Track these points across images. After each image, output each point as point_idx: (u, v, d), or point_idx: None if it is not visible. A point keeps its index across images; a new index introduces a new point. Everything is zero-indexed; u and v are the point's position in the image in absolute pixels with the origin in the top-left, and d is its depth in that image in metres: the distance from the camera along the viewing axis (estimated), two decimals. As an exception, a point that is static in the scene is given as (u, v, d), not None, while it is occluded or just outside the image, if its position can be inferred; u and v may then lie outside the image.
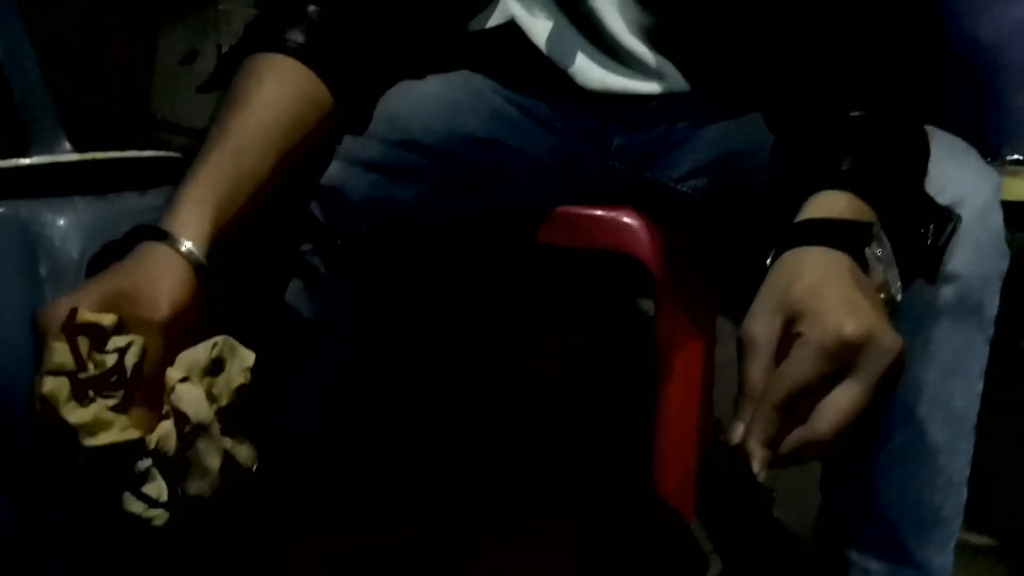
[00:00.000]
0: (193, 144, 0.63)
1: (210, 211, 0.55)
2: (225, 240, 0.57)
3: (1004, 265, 0.61)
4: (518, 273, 1.02)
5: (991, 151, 1.86)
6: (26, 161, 0.69)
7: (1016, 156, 1.84)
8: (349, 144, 0.68)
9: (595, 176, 0.85)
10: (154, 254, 0.52)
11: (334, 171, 0.68)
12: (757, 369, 0.45)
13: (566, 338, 1.28)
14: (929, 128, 0.61)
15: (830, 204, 0.51)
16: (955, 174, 0.59)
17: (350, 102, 0.68)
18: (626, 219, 0.85)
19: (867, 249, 0.47)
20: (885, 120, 0.57)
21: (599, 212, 0.86)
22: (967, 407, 0.63)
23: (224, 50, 1.53)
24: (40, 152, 0.90)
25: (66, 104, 0.97)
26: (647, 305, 1.18)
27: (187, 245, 0.53)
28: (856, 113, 0.56)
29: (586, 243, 0.87)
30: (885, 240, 0.49)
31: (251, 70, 0.63)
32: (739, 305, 0.51)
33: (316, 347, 0.72)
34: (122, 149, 0.79)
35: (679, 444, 0.96)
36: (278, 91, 0.62)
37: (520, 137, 0.81)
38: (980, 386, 0.64)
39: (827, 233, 0.48)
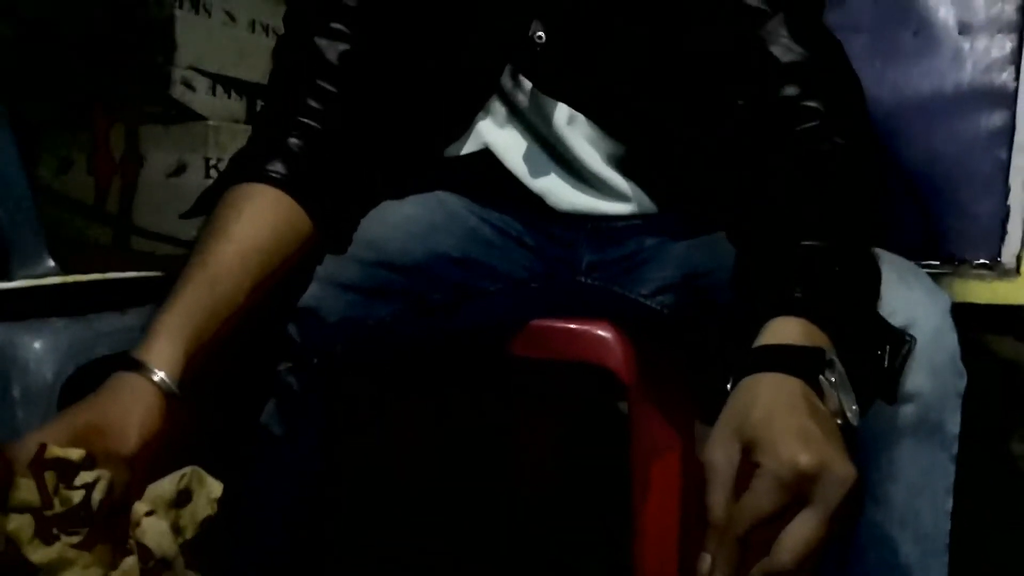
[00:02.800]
0: (176, 255, 0.65)
1: (184, 340, 0.56)
2: (199, 367, 0.58)
3: (962, 384, 0.63)
4: (493, 383, 1.03)
5: (954, 256, 1.93)
6: (6, 285, 0.70)
7: (982, 260, 1.91)
8: (328, 266, 0.70)
9: (567, 291, 0.87)
10: (127, 385, 0.53)
11: (312, 292, 0.69)
12: (719, 498, 0.45)
13: (546, 443, 1.28)
14: (879, 251, 0.64)
15: (785, 330, 0.53)
16: (906, 297, 0.62)
17: (330, 226, 0.70)
18: (599, 332, 0.87)
19: (821, 376, 0.49)
20: (836, 247, 0.59)
21: (572, 325, 0.88)
22: (937, 525, 0.64)
23: (212, 164, 1.58)
24: (22, 269, 0.91)
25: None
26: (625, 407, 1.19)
27: (160, 375, 0.54)
28: (808, 242, 0.59)
29: (560, 356, 0.88)
30: (838, 366, 0.50)
31: (232, 200, 0.65)
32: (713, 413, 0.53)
33: (286, 467, 0.72)
34: (104, 262, 0.80)
35: (657, 555, 0.95)
36: (258, 220, 0.64)
37: (494, 255, 0.83)
38: (949, 504, 0.64)
39: (781, 360, 0.50)
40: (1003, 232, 1.91)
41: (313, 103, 0.69)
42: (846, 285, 0.58)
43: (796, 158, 0.66)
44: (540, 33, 0.74)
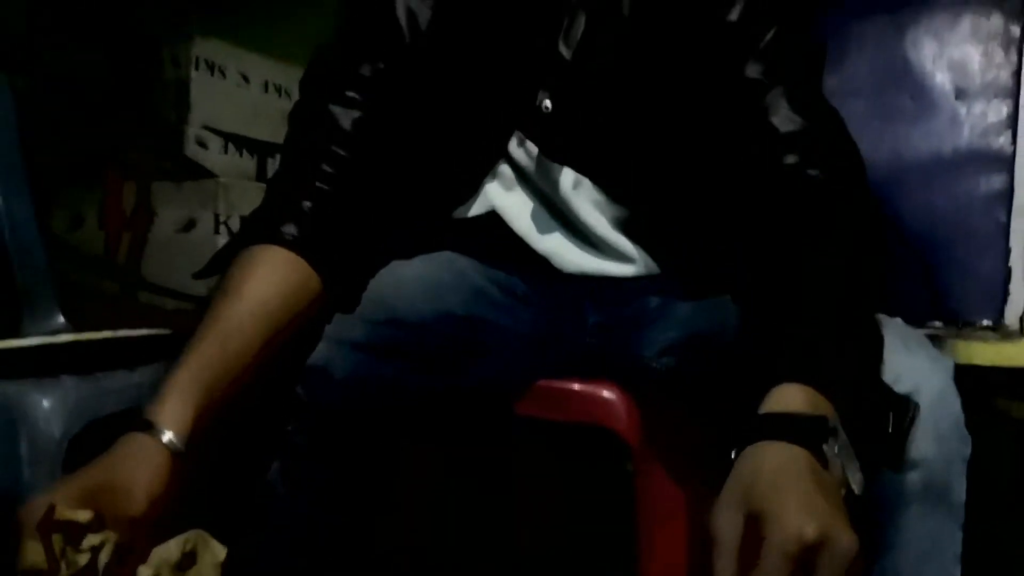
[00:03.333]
0: (184, 310, 0.66)
1: (195, 399, 0.57)
2: (208, 425, 0.58)
3: (967, 450, 0.63)
4: (498, 442, 1.03)
5: (959, 318, 1.93)
6: (18, 343, 0.71)
7: (986, 322, 1.91)
8: (336, 326, 0.71)
9: (572, 351, 0.88)
10: (136, 444, 0.54)
11: (321, 351, 0.70)
12: (725, 569, 0.45)
13: (550, 504, 1.27)
14: (882, 317, 0.65)
15: (789, 398, 0.53)
16: (909, 363, 0.62)
17: (340, 286, 0.72)
18: (604, 393, 0.87)
19: (824, 445, 0.49)
20: (840, 315, 0.60)
21: (577, 386, 0.88)
22: None
23: (222, 220, 1.61)
24: (34, 324, 0.93)
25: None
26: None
27: (168, 435, 0.54)
28: (812, 309, 0.60)
29: (565, 416, 0.88)
30: (842, 434, 0.51)
31: (245, 261, 0.67)
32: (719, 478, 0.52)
33: (289, 526, 0.71)
34: (113, 316, 0.81)
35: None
36: (269, 280, 0.65)
37: (501, 314, 0.84)
38: (957, 571, 0.63)
39: (785, 428, 0.50)
40: (1006, 293, 1.91)
41: (326, 167, 0.71)
42: (850, 352, 0.58)
43: (798, 225, 0.68)
44: (547, 103, 0.76)
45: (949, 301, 1.95)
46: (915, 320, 1.95)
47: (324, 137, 0.72)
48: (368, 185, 0.74)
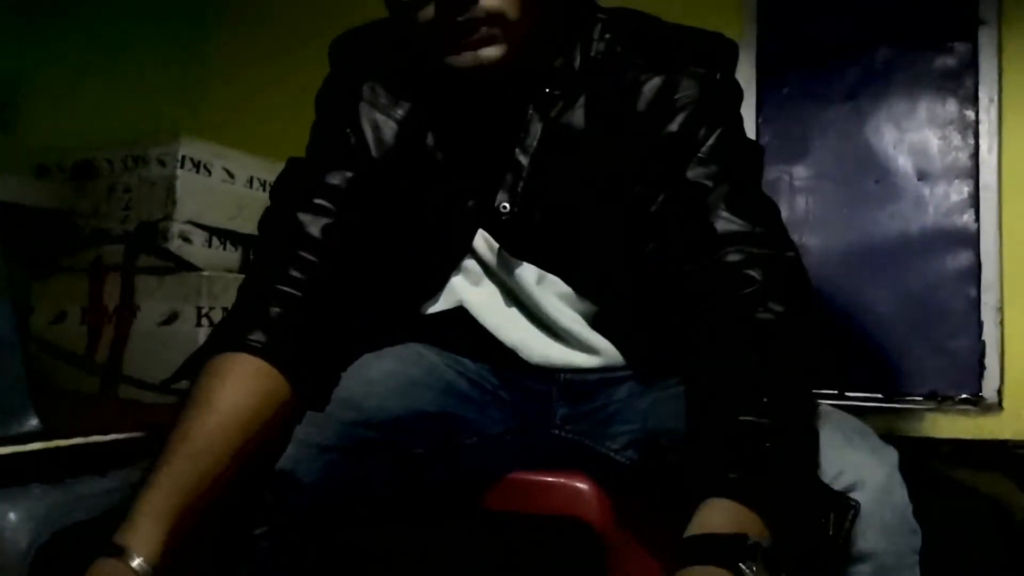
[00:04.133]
0: (162, 404, 0.67)
1: (165, 521, 0.58)
2: (179, 543, 0.59)
3: (916, 541, 0.63)
4: (470, 536, 1.02)
5: (937, 393, 1.95)
6: (-13, 452, 0.72)
7: (965, 395, 1.93)
8: (306, 428, 0.72)
9: (542, 444, 0.89)
10: (107, 572, 0.54)
11: (290, 455, 0.71)
12: None
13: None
14: (824, 410, 0.66)
15: (714, 516, 0.55)
16: (852, 458, 0.63)
17: (309, 389, 0.73)
18: (576, 484, 0.88)
19: (742, 564, 0.51)
20: (772, 422, 0.61)
21: (548, 478, 0.88)
22: None
23: (204, 312, 1.62)
24: (6, 427, 0.93)
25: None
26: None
27: (138, 560, 0.55)
28: (744, 417, 0.61)
29: (536, 509, 0.88)
30: (762, 551, 0.52)
31: (215, 370, 0.68)
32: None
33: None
34: (91, 411, 0.82)
35: None
36: (239, 390, 0.67)
37: (471, 409, 0.85)
38: None
39: (706, 552, 0.53)
40: (981, 368, 1.95)
41: (295, 273, 0.73)
42: (782, 460, 0.59)
43: (734, 326, 0.69)
44: (505, 204, 0.79)
45: (927, 377, 1.98)
46: (893, 396, 1.98)
47: (292, 243, 0.75)
48: (336, 287, 0.76)
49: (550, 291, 0.84)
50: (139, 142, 1.71)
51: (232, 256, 1.79)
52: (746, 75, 2.10)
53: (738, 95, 0.81)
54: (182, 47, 2.42)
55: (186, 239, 1.68)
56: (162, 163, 1.67)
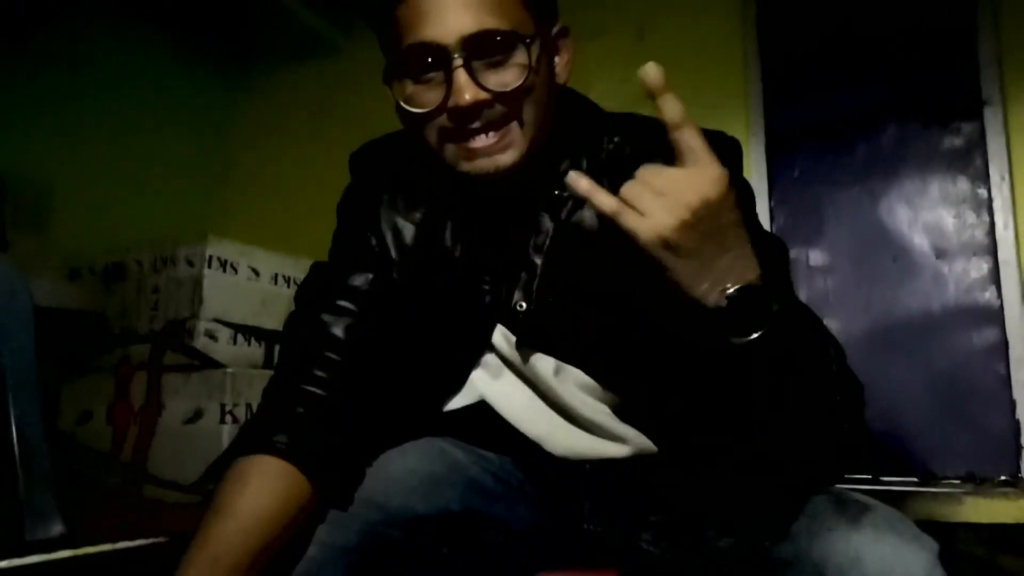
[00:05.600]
0: (187, 502, 0.67)
1: None
2: None
3: None
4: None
5: (975, 475, 1.89)
6: (16, 562, 0.72)
7: (1003, 477, 1.87)
8: (328, 529, 0.72)
9: (571, 540, 0.87)
10: None
11: (311, 557, 0.70)
12: None
13: None
14: (860, 499, 0.65)
15: None
16: (891, 550, 0.62)
17: (332, 489, 0.73)
18: (606, 583, 0.85)
19: None
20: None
21: (577, 577, 0.86)
22: None
23: (228, 409, 1.64)
24: (33, 530, 0.93)
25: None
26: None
27: None
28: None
29: (567, 610, 0.86)
30: None
31: (236, 474, 0.69)
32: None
33: None
34: (117, 510, 0.82)
35: None
36: (258, 493, 0.67)
37: (497, 507, 0.84)
38: None
39: None
40: (1018, 447, 1.89)
41: (319, 372, 0.75)
42: None
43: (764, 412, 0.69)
44: (522, 303, 0.81)
45: (963, 458, 1.92)
46: (929, 479, 1.92)
47: (316, 343, 0.77)
48: (359, 385, 0.77)
49: (570, 382, 0.84)
50: (168, 243, 1.78)
51: (256, 352, 1.81)
52: (756, 158, 2.15)
53: (747, 191, 0.83)
54: (209, 151, 2.53)
55: (211, 336, 1.71)
56: (190, 263, 1.72)
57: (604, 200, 0.61)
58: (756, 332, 0.61)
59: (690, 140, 0.61)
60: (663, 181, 0.60)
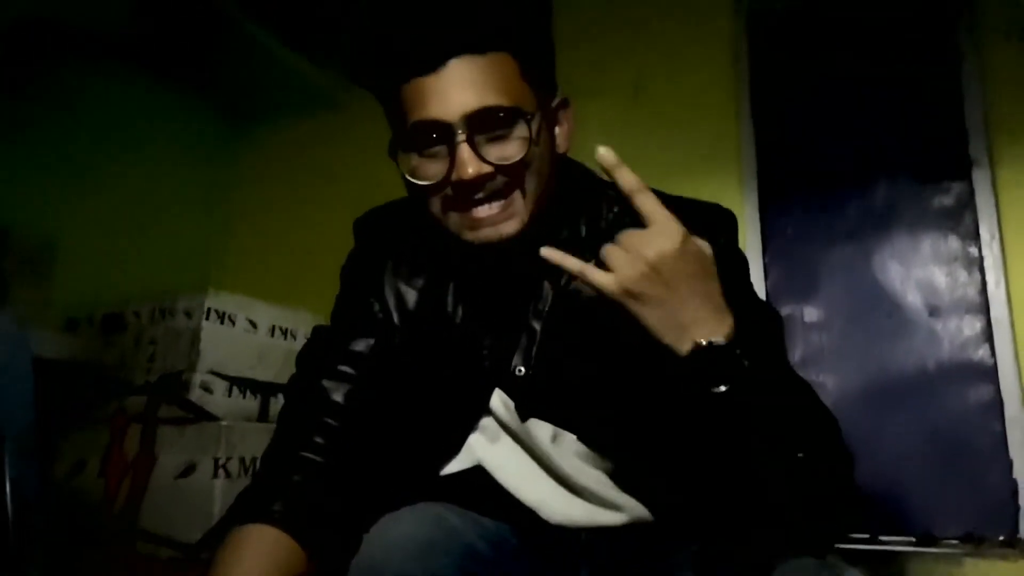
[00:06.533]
0: (177, 558, 0.67)
1: None
2: None
3: None
4: None
5: (973, 535, 1.87)
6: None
7: (1002, 537, 1.85)
8: None
9: (567, 609, 0.86)
10: None
11: None
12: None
13: None
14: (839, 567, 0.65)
15: None
16: None
17: (327, 557, 0.73)
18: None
19: None
20: None
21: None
22: None
23: (221, 463, 1.62)
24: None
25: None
26: None
27: None
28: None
29: None
30: None
31: (235, 543, 0.69)
32: None
33: None
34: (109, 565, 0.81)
35: None
36: (253, 564, 0.67)
37: (492, 574, 0.84)
38: None
39: None
40: (1017, 507, 1.88)
41: (318, 439, 0.75)
42: None
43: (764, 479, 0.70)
44: (520, 368, 0.82)
45: (960, 517, 1.91)
46: (927, 539, 1.90)
47: (316, 409, 0.77)
48: (358, 451, 0.77)
49: (567, 449, 0.85)
50: (167, 295, 1.78)
51: (251, 404, 1.81)
52: (749, 214, 2.18)
53: (742, 261, 0.85)
54: (210, 202, 2.56)
55: (207, 389, 1.71)
56: (188, 315, 1.72)
57: (571, 263, 0.70)
58: (723, 386, 0.65)
59: (646, 204, 0.69)
60: (628, 240, 0.68)
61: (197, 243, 2.45)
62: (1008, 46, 2.02)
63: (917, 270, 2.06)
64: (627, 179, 0.69)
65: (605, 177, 0.76)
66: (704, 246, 0.69)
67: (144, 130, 2.32)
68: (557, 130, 0.83)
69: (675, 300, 0.67)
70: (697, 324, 0.67)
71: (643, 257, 0.66)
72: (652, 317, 0.67)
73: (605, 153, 0.69)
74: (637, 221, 0.83)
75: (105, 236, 2.12)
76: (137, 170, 2.27)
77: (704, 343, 0.66)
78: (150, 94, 2.35)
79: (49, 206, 1.98)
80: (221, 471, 1.61)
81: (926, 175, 2.07)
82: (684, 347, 0.67)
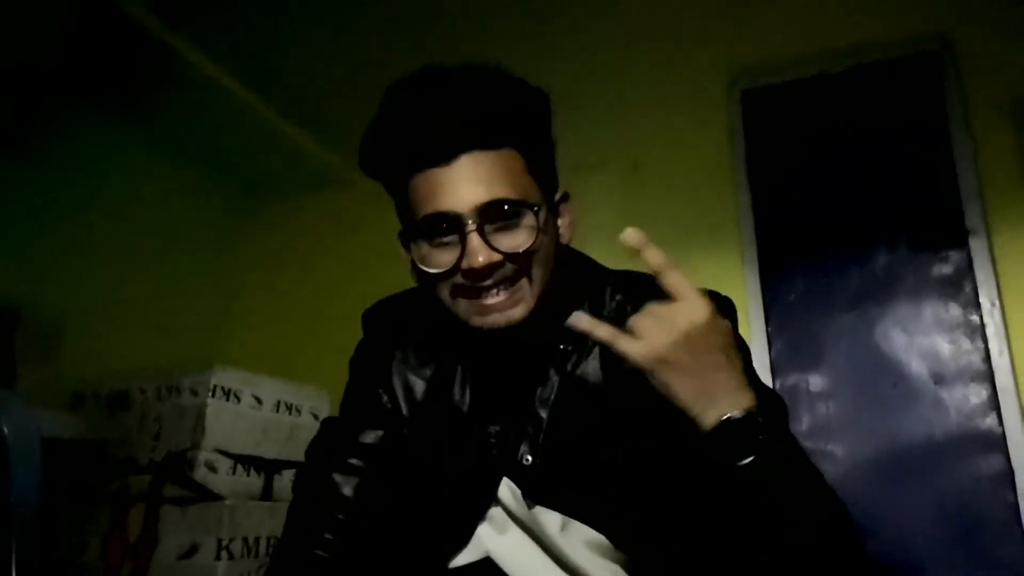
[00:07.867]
0: None
1: None
2: None
3: None
4: None
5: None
6: None
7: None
8: None
9: None
10: None
11: None
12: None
13: None
14: None
15: None
16: None
17: None
18: None
19: None
20: None
21: None
22: None
23: (224, 544, 1.60)
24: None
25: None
26: None
27: None
28: None
29: None
30: None
31: None
32: None
33: None
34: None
35: None
36: None
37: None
38: None
39: None
40: (1033, 580, 1.84)
41: (327, 535, 0.75)
42: None
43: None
44: (528, 457, 0.82)
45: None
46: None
47: (326, 504, 0.78)
48: (367, 545, 0.77)
49: (577, 539, 0.84)
50: (173, 372, 1.79)
51: (255, 483, 1.79)
52: (751, 283, 2.20)
53: (744, 347, 0.86)
54: (216, 279, 2.59)
55: (211, 468, 1.70)
56: (194, 392, 1.73)
57: (603, 331, 0.71)
58: (748, 458, 0.66)
59: (675, 280, 0.70)
60: (660, 311, 0.69)
61: (203, 319, 2.47)
62: (999, 120, 2.07)
63: (920, 338, 2.06)
64: (655, 257, 0.70)
65: (612, 264, 0.78)
66: (726, 324, 0.70)
67: (152, 208, 2.36)
68: (560, 222, 0.85)
69: (705, 370, 0.68)
70: (724, 396, 0.68)
71: (675, 326, 0.68)
72: (681, 385, 0.68)
73: (631, 234, 0.70)
74: (639, 308, 0.85)
75: (112, 314, 2.14)
76: (143, 247, 2.30)
77: (731, 415, 0.67)
78: (156, 172, 2.40)
79: (58, 286, 2.00)
80: (224, 552, 1.59)
81: (924, 243, 2.10)
82: (710, 419, 0.68)
